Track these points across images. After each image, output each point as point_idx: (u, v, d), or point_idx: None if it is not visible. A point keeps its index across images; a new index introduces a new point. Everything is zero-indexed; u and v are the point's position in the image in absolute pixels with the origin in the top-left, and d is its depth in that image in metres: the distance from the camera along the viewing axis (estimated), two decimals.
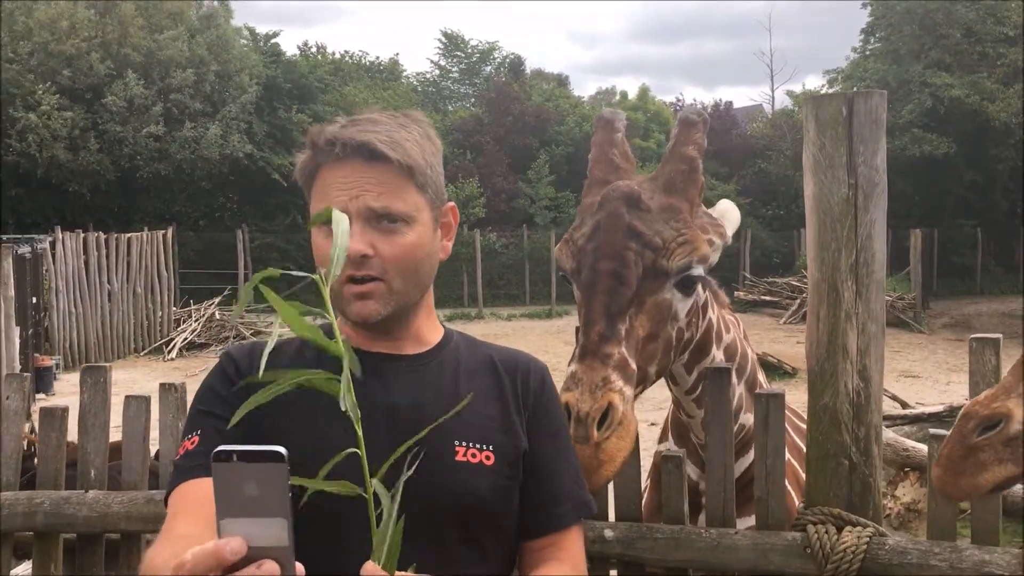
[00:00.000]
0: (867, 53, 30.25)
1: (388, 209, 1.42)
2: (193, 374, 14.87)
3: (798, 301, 22.02)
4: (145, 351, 17.31)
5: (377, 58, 34.79)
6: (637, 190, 2.06)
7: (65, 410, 2.75)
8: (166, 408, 2.63)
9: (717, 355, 2.34)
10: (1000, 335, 2.19)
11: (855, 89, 2.31)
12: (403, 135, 1.47)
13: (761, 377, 2.84)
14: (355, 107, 26.75)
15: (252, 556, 0.99)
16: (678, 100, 41.31)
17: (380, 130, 1.45)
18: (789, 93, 33.15)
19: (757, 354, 2.96)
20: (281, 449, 0.99)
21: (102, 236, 16.71)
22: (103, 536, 2.69)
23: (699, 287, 2.12)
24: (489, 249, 25.99)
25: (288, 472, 1.00)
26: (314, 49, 32.62)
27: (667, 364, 2.12)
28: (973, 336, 2.21)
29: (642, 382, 2.02)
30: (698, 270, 2.05)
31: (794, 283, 23.34)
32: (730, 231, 2.21)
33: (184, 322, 18.57)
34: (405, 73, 36.64)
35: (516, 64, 36.02)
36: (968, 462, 1.48)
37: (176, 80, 24.03)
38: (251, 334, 18.53)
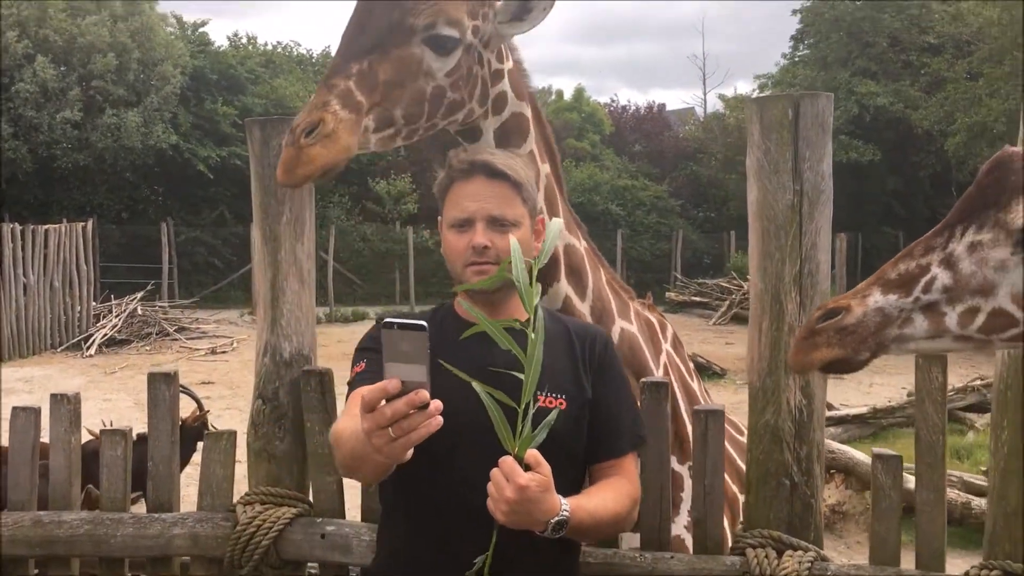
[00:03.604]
0: (796, 59, 30.79)
1: (503, 216, 1.98)
2: (112, 371, 14.27)
3: (727, 302, 22.28)
4: (62, 347, 16.64)
5: (309, 51, 34.07)
6: None
7: None
8: (58, 420, 2.41)
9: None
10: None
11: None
12: (512, 161, 2.06)
13: (696, 385, 2.77)
14: (286, 100, 26.35)
15: (405, 388, 1.54)
16: (612, 101, 41.66)
17: (497, 156, 2.06)
18: (721, 97, 33.43)
19: (690, 355, 2.90)
20: (423, 323, 1.56)
21: (17, 228, 16.00)
22: None
23: (458, 50, 2.20)
24: (422, 247, 25.60)
25: (428, 337, 1.56)
26: (244, 40, 31.85)
27: (421, 114, 2.22)
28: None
29: (390, 124, 2.19)
30: (448, 31, 2.16)
31: (724, 284, 23.60)
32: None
33: (104, 317, 17.90)
34: None
35: None
36: (807, 343, 1.73)
37: (98, 66, 23.15)
38: (175, 330, 18.02)
